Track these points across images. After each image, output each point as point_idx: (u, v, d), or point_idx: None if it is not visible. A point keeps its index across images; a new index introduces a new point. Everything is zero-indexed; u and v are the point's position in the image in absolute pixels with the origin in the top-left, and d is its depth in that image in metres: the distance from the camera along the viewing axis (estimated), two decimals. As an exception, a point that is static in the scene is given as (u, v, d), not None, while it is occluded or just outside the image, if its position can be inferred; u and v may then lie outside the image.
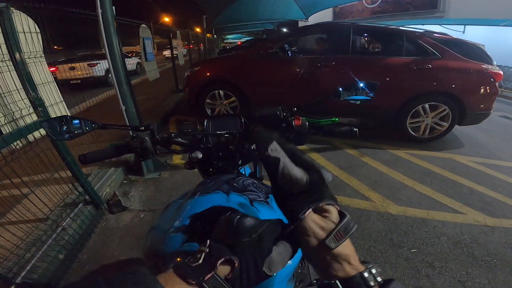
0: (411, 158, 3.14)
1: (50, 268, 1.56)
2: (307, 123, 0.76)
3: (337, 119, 0.78)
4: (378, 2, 12.17)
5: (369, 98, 0.84)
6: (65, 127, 0.73)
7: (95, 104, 2.81)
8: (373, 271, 0.31)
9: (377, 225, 2.01)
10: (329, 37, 3.94)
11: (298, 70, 3.56)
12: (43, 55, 1.90)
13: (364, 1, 12.49)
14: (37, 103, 1.59)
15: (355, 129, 0.77)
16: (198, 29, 9.15)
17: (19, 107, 1.56)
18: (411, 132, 3.49)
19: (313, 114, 0.88)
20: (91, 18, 2.35)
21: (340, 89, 0.84)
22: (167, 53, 12.85)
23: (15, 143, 1.38)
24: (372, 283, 0.30)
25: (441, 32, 3.69)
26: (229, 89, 3.78)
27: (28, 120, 1.57)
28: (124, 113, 2.49)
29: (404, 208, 2.20)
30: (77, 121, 0.75)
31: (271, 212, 0.58)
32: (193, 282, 0.28)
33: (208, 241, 0.32)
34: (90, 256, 1.78)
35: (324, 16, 10.08)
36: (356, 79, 0.85)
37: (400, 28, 3.60)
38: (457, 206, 2.24)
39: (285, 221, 0.35)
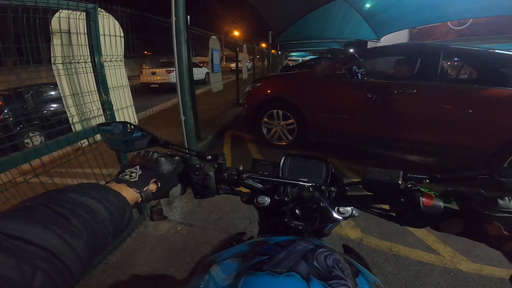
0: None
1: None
2: (442, 206, 0.48)
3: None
4: (467, 24, 10.72)
5: None
6: (122, 136, 0.64)
7: (162, 110, 2.93)
8: None
9: (439, 282, 1.61)
10: (410, 59, 3.37)
11: (369, 96, 3.09)
12: (123, 59, 1.97)
13: (449, 23, 11.15)
14: (106, 107, 1.62)
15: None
16: (263, 45, 9.41)
17: (91, 109, 1.61)
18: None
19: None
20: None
21: None
22: (233, 65, 13.48)
23: (81, 142, 1.44)
24: None
25: None
26: (288, 109, 3.56)
27: (98, 121, 1.59)
28: (183, 123, 2.46)
29: (479, 266, 1.74)
30: (138, 133, 0.63)
31: None
32: (137, 191, 0.44)
33: (138, 166, 0.48)
34: (119, 260, 1.76)
35: (398, 37, 9.22)
36: None
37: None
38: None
39: None
